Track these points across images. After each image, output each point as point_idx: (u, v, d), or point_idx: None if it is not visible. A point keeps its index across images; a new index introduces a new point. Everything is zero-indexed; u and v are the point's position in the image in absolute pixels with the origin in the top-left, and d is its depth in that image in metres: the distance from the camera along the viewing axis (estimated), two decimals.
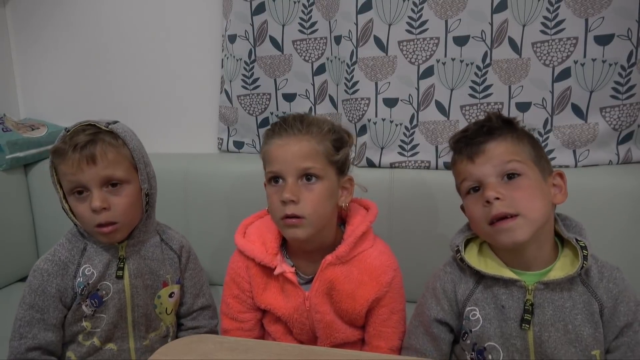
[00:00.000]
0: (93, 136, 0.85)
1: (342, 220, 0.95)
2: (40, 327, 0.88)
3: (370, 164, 1.25)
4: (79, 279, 0.89)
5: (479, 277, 0.81)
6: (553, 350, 0.75)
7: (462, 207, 0.85)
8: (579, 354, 0.75)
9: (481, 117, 1.17)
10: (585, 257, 0.75)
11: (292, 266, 0.91)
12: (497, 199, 0.74)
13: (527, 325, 0.75)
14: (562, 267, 0.77)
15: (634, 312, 0.76)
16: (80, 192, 0.86)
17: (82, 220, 0.88)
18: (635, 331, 0.76)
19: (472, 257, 0.82)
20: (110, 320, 0.91)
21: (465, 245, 0.84)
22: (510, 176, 0.76)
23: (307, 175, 0.84)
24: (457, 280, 0.83)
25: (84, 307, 0.89)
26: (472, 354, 0.81)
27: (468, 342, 0.81)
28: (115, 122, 0.90)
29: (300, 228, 0.83)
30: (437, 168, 1.23)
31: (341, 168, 0.89)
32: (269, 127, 0.90)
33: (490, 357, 0.78)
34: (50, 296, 0.88)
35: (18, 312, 0.89)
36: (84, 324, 0.91)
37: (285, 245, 0.93)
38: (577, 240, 0.77)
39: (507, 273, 0.78)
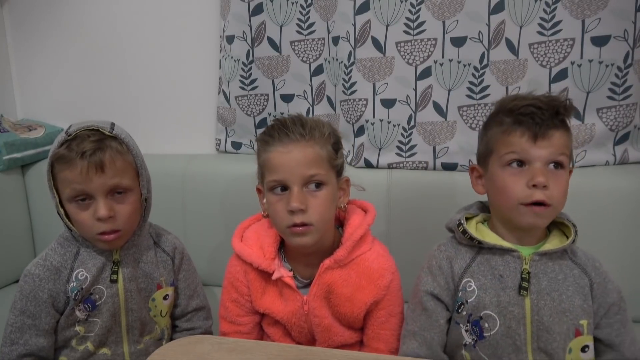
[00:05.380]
0: (99, 143, 0.83)
1: (339, 222, 0.95)
2: (32, 333, 0.87)
3: (368, 165, 1.26)
4: (72, 284, 0.88)
5: (476, 251, 0.84)
6: (549, 317, 0.79)
7: (472, 169, 0.88)
8: (568, 322, 0.79)
9: (477, 117, 1.19)
10: (576, 233, 0.82)
11: (290, 270, 0.91)
12: (545, 187, 0.77)
13: (525, 292, 0.79)
14: (552, 243, 0.83)
15: (617, 291, 0.82)
16: (83, 199, 0.84)
17: (82, 228, 0.86)
18: (624, 309, 0.83)
19: (471, 232, 0.85)
20: (104, 325, 0.90)
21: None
22: (556, 166, 0.78)
23: (313, 183, 0.83)
24: (452, 256, 0.86)
25: (77, 311, 0.89)
26: (467, 326, 0.82)
27: (464, 313, 0.82)
28: (112, 124, 0.89)
29: (308, 235, 0.83)
30: (434, 169, 1.23)
31: (340, 170, 0.89)
32: (265, 132, 0.87)
33: (486, 325, 0.80)
34: (42, 301, 0.87)
35: (9, 317, 0.88)
36: (77, 328, 0.90)
37: (282, 249, 0.93)
38: (568, 219, 0.84)
39: (506, 244, 0.82)
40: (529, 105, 0.79)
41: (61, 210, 0.87)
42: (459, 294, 0.83)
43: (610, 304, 0.81)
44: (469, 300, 0.82)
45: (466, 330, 0.82)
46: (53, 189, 0.86)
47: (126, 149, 0.87)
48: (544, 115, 0.78)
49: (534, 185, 0.77)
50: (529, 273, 0.80)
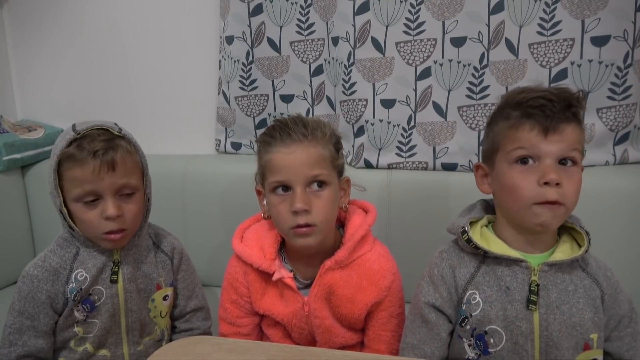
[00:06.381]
0: (110, 142, 0.84)
1: (340, 223, 0.94)
2: (31, 334, 0.87)
3: (368, 165, 1.26)
4: (71, 285, 0.87)
5: (481, 260, 0.80)
6: (558, 333, 0.74)
7: (477, 167, 0.83)
8: (578, 337, 0.75)
9: (477, 117, 1.19)
10: (589, 241, 0.76)
11: (291, 271, 0.90)
12: (558, 184, 0.72)
13: (534, 306, 0.74)
14: (562, 251, 0.77)
15: (629, 302, 0.78)
16: (93, 200, 0.84)
17: (88, 227, 0.86)
18: (635, 322, 0.79)
19: (475, 239, 0.80)
20: (103, 326, 0.90)
21: None
22: (564, 162, 0.73)
23: (315, 183, 0.83)
24: (455, 265, 0.80)
25: (75, 312, 0.88)
26: (470, 340, 0.78)
27: (467, 327, 0.78)
28: (116, 124, 0.89)
29: (312, 236, 0.83)
30: (434, 169, 1.23)
31: (341, 171, 0.89)
32: (265, 133, 0.87)
33: (492, 340, 0.76)
34: (40, 303, 0.86)
35: (7, 319, 0.88)
36: (76, 329, 0.89)
37: (283, 249, 0.93)
38: (580, 226, 0.78)
39: (513, 253, 0.77)
40: (538, 98, 0.73)
41: (64, 209, 0.86)
42: (463, 307, 0.78)
43: (622, 316, 0.77)
44: (473, 314, 0.77)
45: (469, 345, 0.78)
46: (58, 187, 0.85)
47: (134, 149, 0.88)
48: (555, 107, 0.72)
49: (546, 183, 0.71)
50: (537, 285, 0.75)
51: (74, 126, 0.85)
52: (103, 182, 0.83)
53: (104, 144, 0.83)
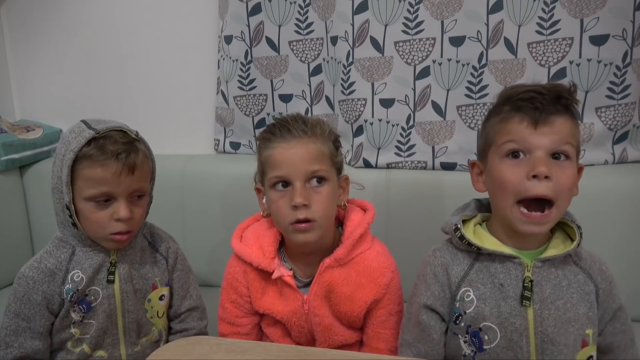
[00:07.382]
0: (131, 145, 0.84)
1: (339, 221, 0.95)
2: (27, 336, 0.86)
3: (367, 165, 1.25)
4: (67, 286, 0.87)
5: (474, 258, 0.79)
6: (553, 328, 0.74)
7: (472, 164, 0.83)
8: (575, 333, 0.74)
9: (476, 116, 1.19)
10: (581, 235, 0.75)
11: (290, 269, 0.90)
12: (547, 177, 0.70)
13: (528, 302, 0.74)
14: (555, 247, 0.77)
15: (620, 296, 0.78)
16: (105, 199, 0.84)
17: (95, 227, 0.85)
18: (627, 314, 0.79)
19: (469, 236, 0.80)
20: (99, 326, 0.89)
21: None
22: (557, 156, 0.72)
23: (315, 178, 0.83)
24: (448, 263, 0.80)
25: (72, 313, 0.88)
26: (465, 337, 0.78)
27: (462, 324, 0.78)
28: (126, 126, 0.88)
29: (311, 232, 0.83)
30: (433, 168, 1.23)
31: (340, 168, 0.89)
32: (265, 130, 0.88)
33: (486, 337, 0.76)
34: (36, 304, 0.86)
35: (3, 320, 0.87)
36: (73, 330, 0.89)
37: (282, 248, 0.93)
38: (572, 220, 0.78)
39: (507, 250, 0.77)
40: (528, 91, 0.73)
41: (72, 206, 0.85)
42: (457, 305, 0.78)
43: (616, 310, 0.77)
44: (467, 311, 0.77)
45: (465, 342, 0.78)
46: (69, 185, 0.84)
47: (149, 153, 0.89)
48: (545, 99, 0.71)
49: (535, 177, 0.70)
50: (531, 281, 0.74)
51: (87, 124, 0.84)
52: (121, 185, 0.83)
53: (125, 147, 0.83)
